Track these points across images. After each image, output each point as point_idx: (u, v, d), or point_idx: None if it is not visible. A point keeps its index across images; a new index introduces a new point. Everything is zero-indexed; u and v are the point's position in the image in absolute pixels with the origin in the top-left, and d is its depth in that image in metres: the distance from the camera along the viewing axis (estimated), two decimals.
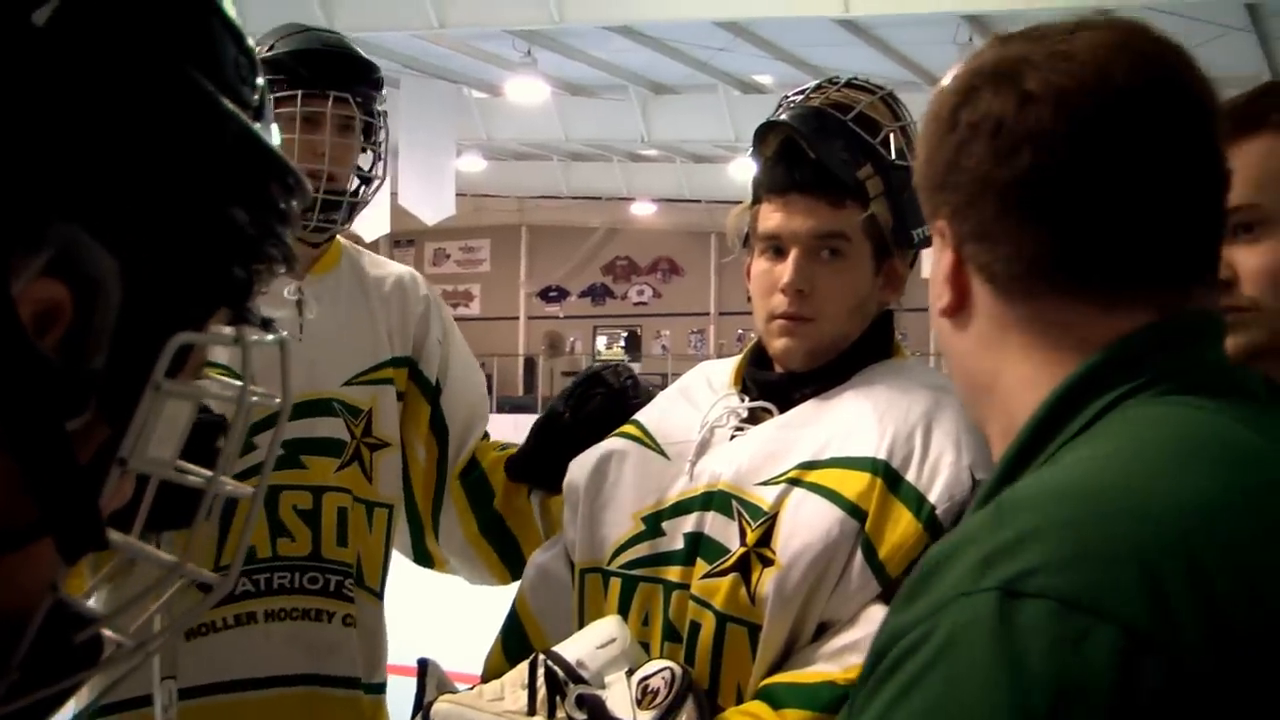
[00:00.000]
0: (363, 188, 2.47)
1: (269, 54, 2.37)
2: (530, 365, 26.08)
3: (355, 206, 2.45)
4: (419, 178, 18.45)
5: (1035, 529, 0.85)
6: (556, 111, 18.03)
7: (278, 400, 0.79)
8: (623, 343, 26.72)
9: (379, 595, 2.47)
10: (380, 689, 2.47)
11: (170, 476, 0.74)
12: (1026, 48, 1.03)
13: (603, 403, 2.28)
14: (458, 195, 21.71)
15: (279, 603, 2.34)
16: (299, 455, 2.36)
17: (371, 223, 20.30)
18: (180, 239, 0.70)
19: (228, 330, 0.75)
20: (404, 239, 27.95)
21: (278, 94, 2.34)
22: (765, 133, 1.91)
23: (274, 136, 0.76)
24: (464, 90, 18.38)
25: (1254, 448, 0.94)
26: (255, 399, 0.78)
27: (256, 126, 0.73)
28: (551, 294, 27.08)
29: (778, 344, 1.88)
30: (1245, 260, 1.50)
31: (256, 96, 0.75)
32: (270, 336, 0.78)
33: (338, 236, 2.56)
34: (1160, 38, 1.04)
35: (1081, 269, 1.00)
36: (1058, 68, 1.00)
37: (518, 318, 27.63)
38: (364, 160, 2.48)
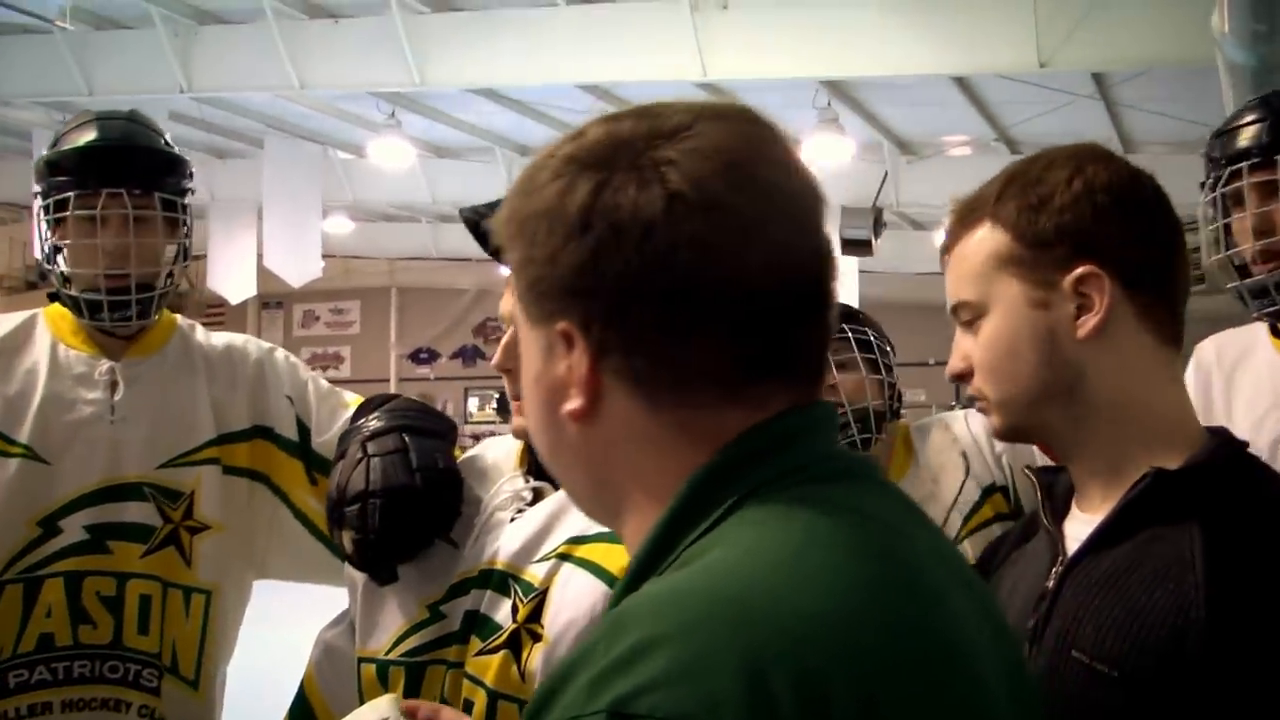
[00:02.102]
0: (167, 275, 2.45)
1: (51, 153, 2.39)
2: None
3: (154, 298, 2.42)
4: (284, 240, 18.26)
5: (648, 641, 0.83)
6: (423, 173, 17.99)
7: None
8: (495, 404, 26.58)
9: (194, 684, 2.43)
10: None
11: None
12: (648, 129, 1.00)
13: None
14: (326, 257, 21.50)
15: (77, 692, 2.32)
16: (104, 540, 2.35)
17: (237, 285, 20.13)
18: None
19: None
20: (272, 301, 27.60)
21: (60, 195, 2.36)
22: (479, 217, 1.92)
23: None
24: (329, 151, 18.28)
25: (874, 541, 0.95)
26: None
27: None
28: (422, 356, 26.88)
29: (517, 424, 1.92)
30: (972, 351, 1.56)
31: None
32: None
33: (175, 316, 2.56)
34: (774, 126, 1.04)
35: (736, 370, 0.99)
36: (697, 165, 0.97)
37: (389, 380, 27.38)
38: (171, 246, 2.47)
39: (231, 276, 19.93)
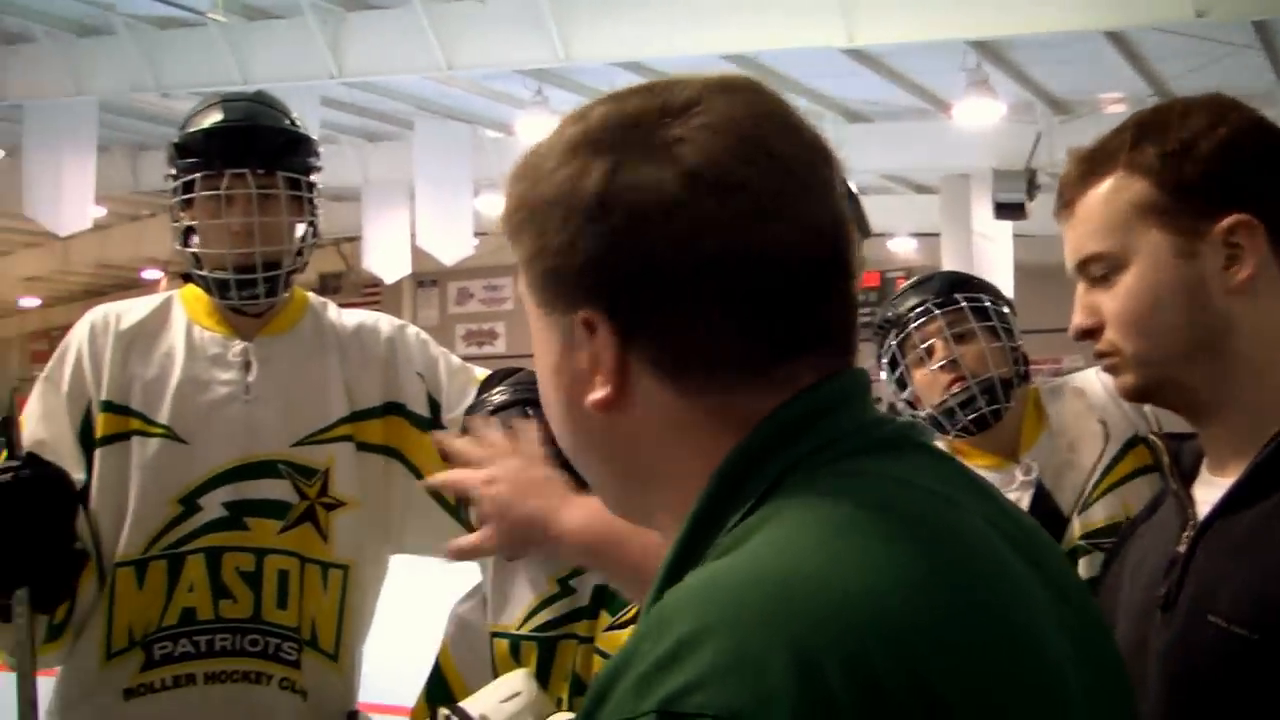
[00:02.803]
0: (295, 253, 2.47)
1: (179, 137, 2.43)
2: None
3: (280, 276, 2.43)
4: (437, 218, 18.54)
5: (693, 636, 0.80)
6: None
7: None
8: None
9: (333, 657, 2.46)
10: None
11: None
12: (657, 106, 0.97)
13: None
14: (480, 234, 21.79)
15: (219, 665, 2.36)
16: (242, 517, 2.39)
17: (392, 265, 20.49)
18: None
19: None
20: (427, 279, 28.06)
21: (187, 177, 2.40)
22: None
23: None
24: (478, 130, 18.48)
25: (919, 514, 0.91)
26: None
27: None
28: None
29: None
30: (1105, 305, 1.50)
31: None
32: None
33: (308, 294, 2.60)
34: (779, 95, 1.01)
35: (764, 349, 0.96)
36: (710, 141, 0.95)
37: None
38: (300, 225, 2.49)
39: (386, 256, 20.30)
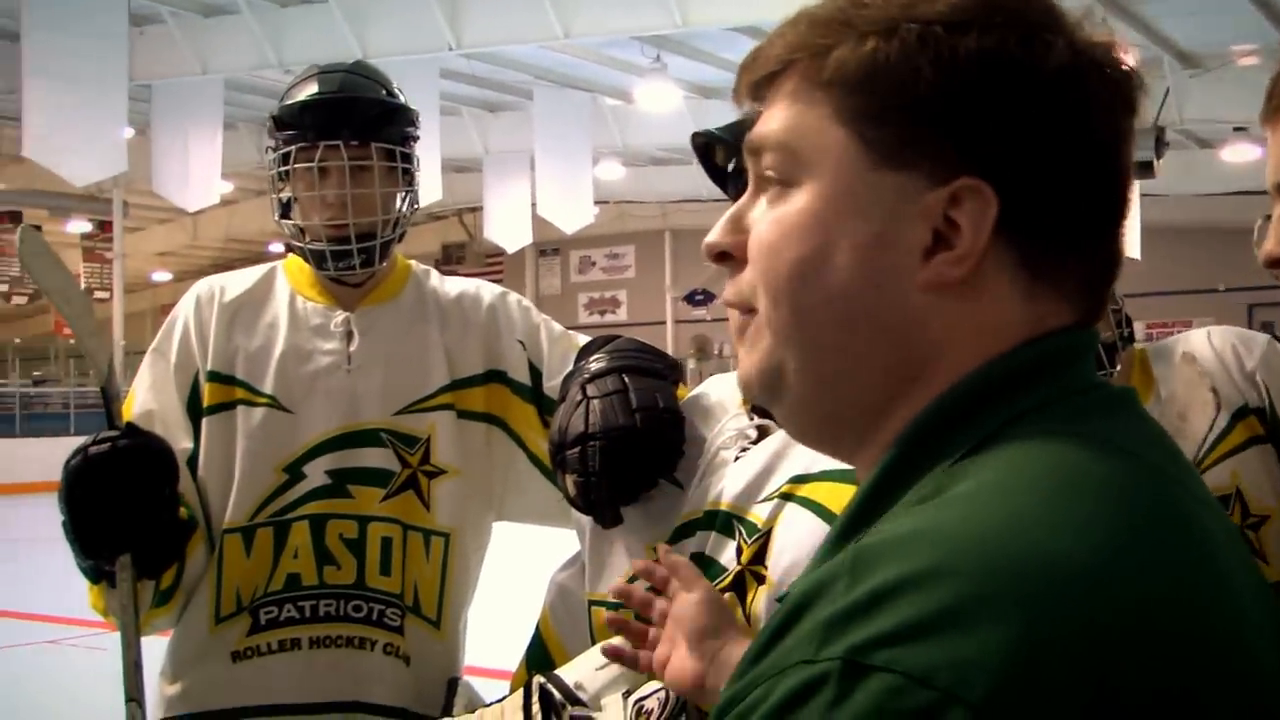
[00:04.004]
0: (392, 224, 2.48)
1: (276, 110, 2.46)
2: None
3: (376, 246, 2.44)
4: (557, 187, 18.66)
5: (894, 584, 0.72)
6: (690, 115, 18.04)
7: None
8: None
9: (435, 624, 2.48)
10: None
11: None
12: None
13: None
14: (600, 203, 21.90)
15: (324, 630, 2.40)
16: (345, 485, 2.42)
17: (513, 234, 20.67)
18: None
19: None
20: (549, 248, 28.28)
21: (284, 150, 2.42)
22: (711, 141, 1.83)
23: None
24: (597, 98, 18.51)
25: (1144, 485, 0.83)
26: None
27: None
28: (698, 297, 27.08)
29: None
30: None
31: None
32: None
33: (410, 263, 2.61)
34: None
35: (1029, 270, 0.89)
36: (1081, 45, 0.89)
37: (665, 322, 27.73)
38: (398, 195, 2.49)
39: (508, 226, 20.47)
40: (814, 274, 0.90)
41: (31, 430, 21.60)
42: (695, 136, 1.77)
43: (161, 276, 32.29)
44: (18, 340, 31.69)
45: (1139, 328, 2.69)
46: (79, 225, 24.53)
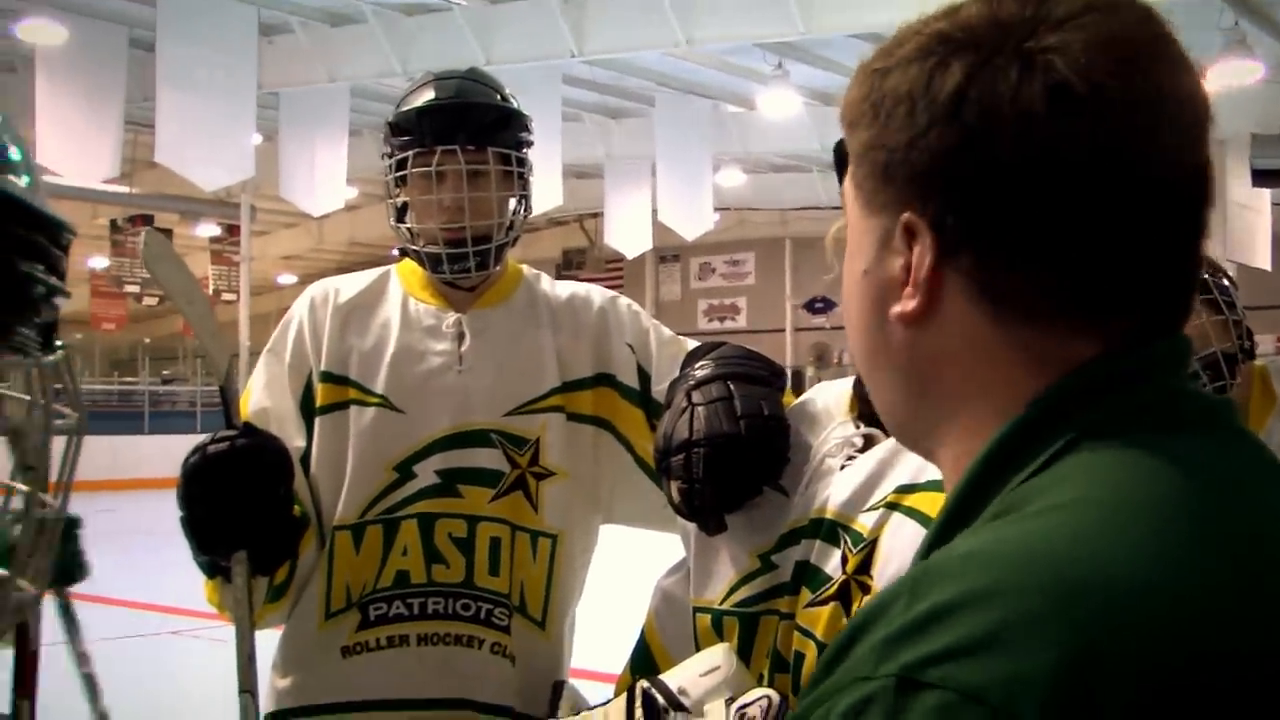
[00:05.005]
0: (506, 228, 2.50)
1: (393, 116, 2.50)
2: (798, 377, 26.04)
3: (491, 250, 2.47)
4: (678, 194, 18.69)
5: (950, 604, 0.74)
6: (811, 122, 17.98)
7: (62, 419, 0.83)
8: None
9: (541, 625, 2.49)
10: None
11: None
12: (1033, 13, 0.90)
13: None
14: (720, 210, 21.89)
15: (432, 627, 2.41)
16: (455, 484, 2.44)
17: (634, 240, 20.74)
18: None
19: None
20: (669, 254, 28.30)
21: (401, 155, 2.46)
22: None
23: (14, 177, 0.81)
24: (718, 105, 18.51)
25: (1224, 505, 0.82)
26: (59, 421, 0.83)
27: None
28: (817, 305, 26.93)
29: None
30: None
31: None
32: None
33: (521, 266, 2.64)
34: (1168, 24, 0.92)
35: (1097, 296, 0.88)
36: (1091, 57, 0.87)
37: (784, 330, 27.63)
38: (512, 199, 2.52)
39: (628, 232, 20.55)
40: (846, 311, 1.01)
41: (158, 427, 22.09)
42: (838, 146, 1.78)
43: (287, 279, 32.87)
44: (147, 340, 32.46)
45: (1267, 341, 2.61)
46: (208, 229, 25.06)
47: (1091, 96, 0.86)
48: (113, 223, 23.60)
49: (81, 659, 2.64)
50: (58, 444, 0.87)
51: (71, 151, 13.64)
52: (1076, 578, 0.74)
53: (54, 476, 0.85)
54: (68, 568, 2.46)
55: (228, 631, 2.31)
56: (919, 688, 0.71)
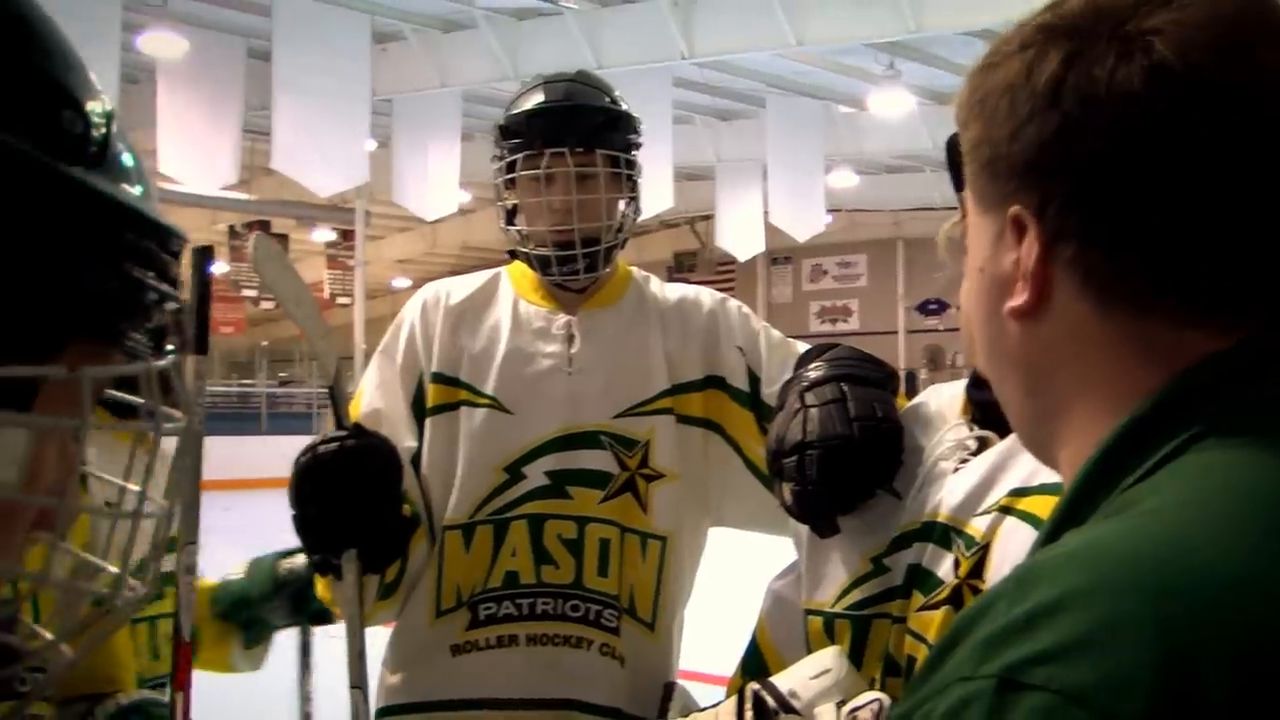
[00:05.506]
0: (615, 230, 2.51)
1: (502, 119, 2.51)
2: (911, 379, 25.82)
3: (600, 252, 2.48)
4: (789, 195, 18.65)
5: (1054, 603, 0.73)
6: (923, 121, 17.82)
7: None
8: None
9: (651, 626, 2.49)
10: None
11: (15, 498, 0.80)
12: None
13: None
14: (832, 211, 21.78)
15: (541, 628, 2.42)
16: (565, 486, 2.44)
17: (745, 242, 20.72)
18: None
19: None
20: (780, 256, 28.21)
21: (510, 158, 2.48)
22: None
23: (127, 185, 0.82)
24: (829, 106, 18.42)
25: None
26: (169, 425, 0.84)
27: (78, 172, 0.78)
28: (930, 307, 26.70)
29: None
30: None
31: (95, 148, 0.81)
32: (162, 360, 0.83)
33: (631, 268, 2.65)
34: (1277, 8, 0.89)
35: (1209, 288, 0.86)
36: (1189, 36, 0.85)
37: (896, 332, 27.42)
38: (621, 201, 2.53)
39: (740, 234, 20.54)
40: (965, 310, 1.02)
41: (275, 428, 22.45)
42: (951, 141, 1.76)
43: (401, 283, 33.25)
44: (265, 343, 32.99)
45: None
46: (323, 234, 25.43)
47: (1190, 76, 0.84)
48: (231, 229, 24.04)
49: (305, 699, 2.71)
50: (170, 445, 0.89)
51: (192, 160, 13.94)
52: (1175, 577, 0.73)
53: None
54: (322, 611, 2.55)
55: (339, 628, 2.34)
56: (1020, 689, 0.70)
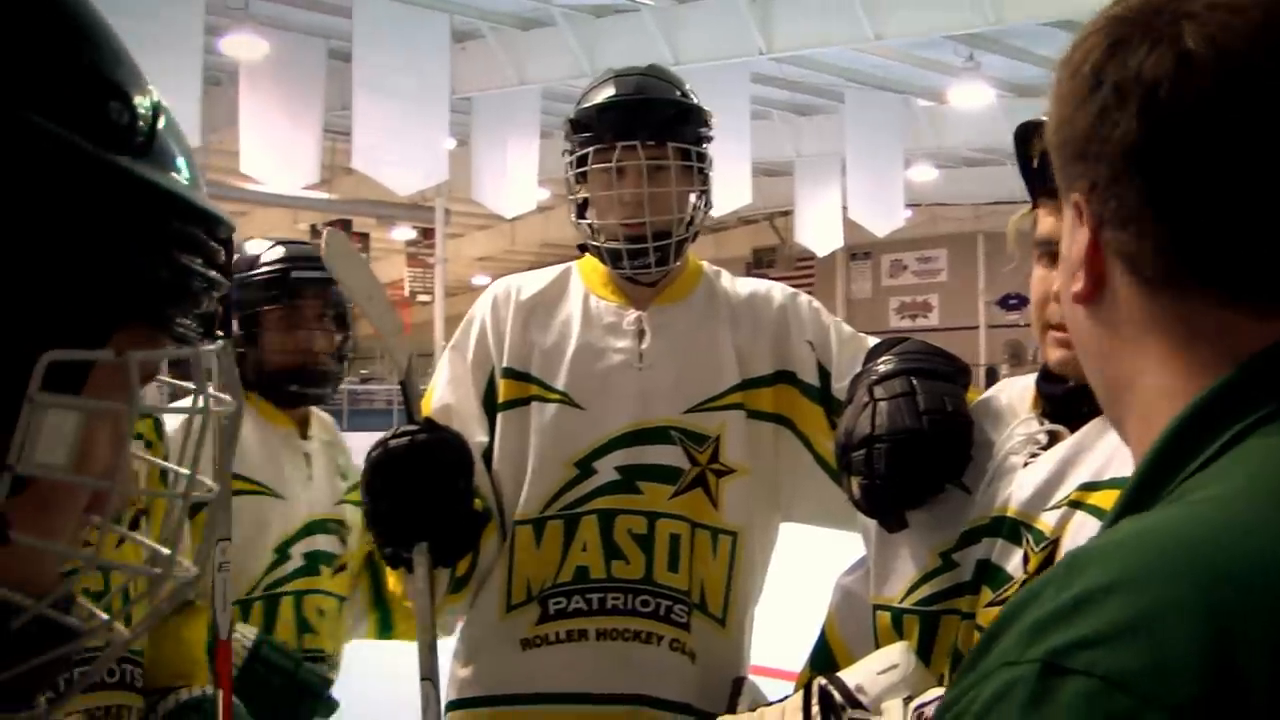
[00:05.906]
0: (686, 223, 2.51)
1: (576, 112, 2.52)
2: (992, 375, 25.59)
3: (671, 245, 2.48)
4: (868, 190, 18.54)
5: (1100, 588, 0.73)
6: (1004, 115, 17.64)
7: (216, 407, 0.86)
8: None
9: (721, 622, 2.48)
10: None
11: (67, 479, 0.81)
12: None
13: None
14: (911, 206, 21.62)
15: (611, 623, 2.43)
16: (635, 481, 2.45)
17: (824, 238, 20.63)
18: (29, 267, 0.77)
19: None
20: (860, 252, 28.06)
21: (581, 151, 2.49)
22: (1029, 133, 1.77)
23: (175, 174, 0.84)
24: (909, 99, 18.29)
25: None
26: (218, 407, 0.85)
27: (125, 161, 0.80)
28: (1011, 302, 26.42)
29: (1053, 356, 1.79)
30: None
31: (142, 138, 0.83)
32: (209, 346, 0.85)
33: (701, 263, 2.65)
34: None
35: (1240, 269, 0.86)
36: (1223, 21, 0.85)
37: (977, 327, 27.17)
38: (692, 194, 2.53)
39: (818, 229, 20.44)
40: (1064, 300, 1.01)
41: (356, 424, 22.65)
42: (1017, 130, 1.75)
43: (481, 280, 33.39)
44: None
45: None
46: (404, 232, 25.59)
47: (1217, 63, 0.85)
48: (312, 228, 24.22)
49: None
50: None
51: (274, 159, 14.08)
52: (1230, 563, 0.73)
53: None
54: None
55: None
56: (1063, 673, 0.70)
